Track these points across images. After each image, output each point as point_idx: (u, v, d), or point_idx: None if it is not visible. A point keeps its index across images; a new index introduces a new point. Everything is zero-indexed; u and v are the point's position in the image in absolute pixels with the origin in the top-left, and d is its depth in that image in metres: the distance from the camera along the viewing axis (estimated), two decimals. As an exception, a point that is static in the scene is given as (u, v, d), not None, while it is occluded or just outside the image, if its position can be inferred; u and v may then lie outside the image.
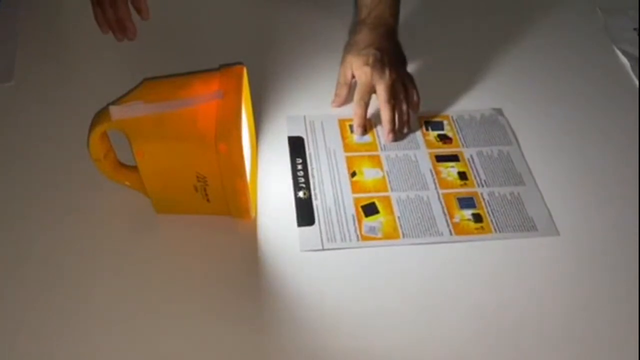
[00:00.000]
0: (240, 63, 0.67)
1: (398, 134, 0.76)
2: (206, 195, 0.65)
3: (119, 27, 0.84)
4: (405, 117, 0.76)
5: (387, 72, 0.75)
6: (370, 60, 0.76)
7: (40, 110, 0.81)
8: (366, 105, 0.76)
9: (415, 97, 0.78)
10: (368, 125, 0.78)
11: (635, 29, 0.94)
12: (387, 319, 0.62)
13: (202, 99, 0.63)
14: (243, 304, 0.63)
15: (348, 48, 0.80)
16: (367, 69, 0.76)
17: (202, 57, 0.82)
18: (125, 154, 0.66)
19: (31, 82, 0.84)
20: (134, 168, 0.66)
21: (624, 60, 0.89)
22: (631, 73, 0.87)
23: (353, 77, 0.79)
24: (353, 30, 0.82)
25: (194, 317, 0.61)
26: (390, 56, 0.77)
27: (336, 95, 0.80)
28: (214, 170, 0.63)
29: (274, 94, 0.83)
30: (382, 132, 0.77)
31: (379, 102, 0.76)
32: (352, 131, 0.77)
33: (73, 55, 0.92)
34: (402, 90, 0.76)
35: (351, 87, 0.79)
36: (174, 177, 0.65)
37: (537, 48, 0.91)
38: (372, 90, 0.76)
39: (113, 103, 0.64)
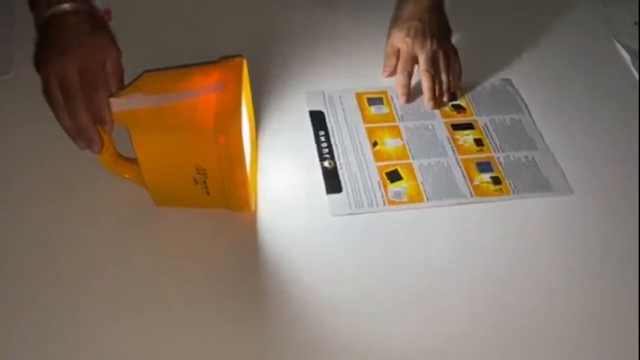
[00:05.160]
0: (239, 55, 0.67)
1: (438, 102, 0.80)
2: (206, 188, 0.65)
3: (82, 137, 0.64)
4: (445, 86, 0.80)
5: (427, 43, 0.79)
6: (412, 32, 0.80)
7: (38, 103, 0.77)
8: (409, 75, 0.80)
9: (457, 67, 0.81)
10: (412, 94, 0.81)
11: (635, 23, 0.94)
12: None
13: (202, 91, 0.63)
14: (242, 298, 0.63)
15: (393, 22, 0.84)
16: (409, 40, 0.80)
17: (204, 49, 0.79)
18: (126, 147, 0.65)
19: (30, 75, 0.80)
20: (134, 161, 0.66)
21: (625, 54, 0.89)
22: (632, 67, 0.88)
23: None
24: (398, 5, 0.86)
25: (194, 310, 0.62)
26: (433, 27, 0.80)
27: (385, 66, 0.84)
28: (214, 163, 0.63)
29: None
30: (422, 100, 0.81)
31: (420, 72, 0.80)
32: (370, 104, 0.81)
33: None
34: (443, 60, 0.79)
35: (398, 58, 0.83)
36: (173, 169, 0.65)
37: (537, 45, 0.93)
38: (414, 60, 0.80)
39: (113, 95, 0.63)
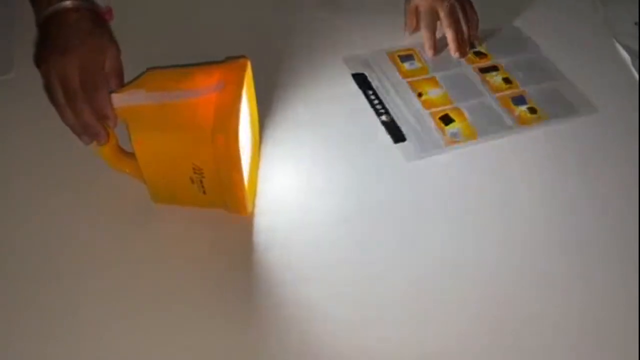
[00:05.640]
0: (243, 56, 0.68)
1: (463, 52, 0.88)
2: (202, 187, 0.66)
3: (86, 133, 0.66)
4: (465, 36, 0.88)
5: None
6: None
7: (39, 102, 0.75)
8: (433, 29, 0.89)
9: (475, 18, 0.90)
10: (438, 46, 0.89)
11: (635, 23, 0.95)
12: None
13: (203, 90, 0.64)
14: (234, 300, 0.64)
15: None
16: None
17: (211, 47, 0.82)
18: (126, 141, 0.66)
19: (30, 74, 0.79)
20: (135, 156, 0.66)
21: (625, 54, 0.92)
22: (632, 67, 0.90)
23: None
24: None
25: (184, 310, 0.63)
26: None
27: (407, 24, 0.92)
28: (210, 162, 0.63)
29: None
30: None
31: (442, 26, 0.88)
32: (403, 61, 0.89)
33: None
34: (461, 12, 0.88)
35: (419, 16, 0.91)
36: (170, 167, 0.66)
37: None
38: (435, 15, 0.88)
39: (115, 91, 0.65)
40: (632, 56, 0.90)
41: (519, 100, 0.84)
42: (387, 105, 0.83)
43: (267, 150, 0.78)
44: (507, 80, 0.86)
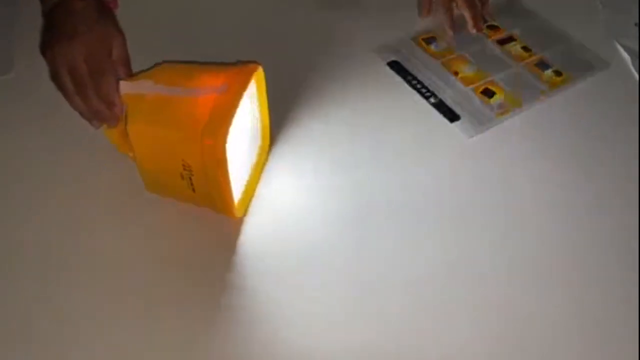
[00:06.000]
0: (255, 62, 0.69)
1: (480, 28, 0.93)
2: (192, 184, 0.67)
3: (96, 117, 0.68)
4: (480, 13, 0.93)
5: None
6: None
7: (40, 102, 0.79)
8: (451, 9, 0.93)
9: None
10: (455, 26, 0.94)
11: (636, 24, 0.96)
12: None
13: (205, 90, 0.65)
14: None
15: None
16: None
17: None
18: None
19: (31, 74, 0.81)
20: None
21: (625, 55, 0.93)
22: (632, 67, 0.91)
23: None
24: None
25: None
26: None
27: (423, 8, 0.96)
28: (199, 162, 0.64)
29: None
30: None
31: (459, 7, 0.93)
32: (427, 43, 0.93)
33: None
34: None
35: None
36: (162, 160, 0.67)
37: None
38: None
39: (124, 79, 0.67)
40: (632, 56, 0.92)
41: (543, 65, 0.90)
42: (430, 88, 0.87)
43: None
44: (525, 49, 0.93)
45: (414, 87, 0.87)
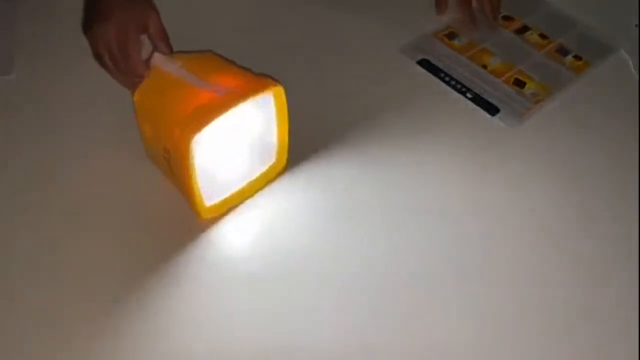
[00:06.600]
0: (278, 81, 0.69)
1: (497, 20, 0.96)
2: (171, 169, 0.68)
3: (136, 87, 0.72)
4: (495, 7, 0.96)
5: None
6: None
7: (40, 103, 0.80)
8: (469, 5, 0.95)
9: None
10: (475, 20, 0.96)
11: (636, 25, 0.98)
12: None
13: (211, 86, 0.66)
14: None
15: None
16: None
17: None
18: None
19: (31, 75, 0.84)
20: None
21: (625, 54, 0.94)
22: (632, 67, 0.92)
23: None
24: None
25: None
26: None
27: (439, 6, 0.97)
28: (173, 151, 0.65)
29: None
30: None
31: (478, 3, 0.95)
32: (449, 39, 0.94)
33: (76, 45, 0.84)
34: None
35: None
36: (153, 136, 0.69)
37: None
38: None
39: (164, 52, 0.71)
40: (632, 56, 0.93)
41: (563, 51, 0.94)
42: (464, 83, 0.89)
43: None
44: (542, 36, 0.96)
45: (448, 83, 0.89)
